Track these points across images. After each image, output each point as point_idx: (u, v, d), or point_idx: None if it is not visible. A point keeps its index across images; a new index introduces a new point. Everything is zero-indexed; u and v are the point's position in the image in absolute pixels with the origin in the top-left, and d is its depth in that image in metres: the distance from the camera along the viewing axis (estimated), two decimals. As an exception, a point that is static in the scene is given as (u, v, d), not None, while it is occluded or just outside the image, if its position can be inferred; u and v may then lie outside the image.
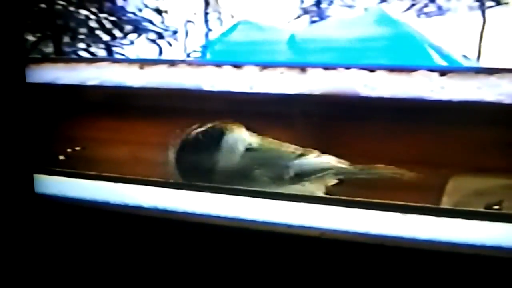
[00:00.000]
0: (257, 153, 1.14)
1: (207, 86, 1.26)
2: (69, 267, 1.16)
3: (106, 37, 1.51)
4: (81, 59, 1.38)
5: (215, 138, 1.15)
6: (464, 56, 1.27)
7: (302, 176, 1.13)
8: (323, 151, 1.18)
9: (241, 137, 1.15)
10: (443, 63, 1.27)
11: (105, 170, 1.20)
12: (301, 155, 1.14)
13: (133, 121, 1.30)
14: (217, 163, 1.14)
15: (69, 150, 1.29)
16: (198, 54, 1.44)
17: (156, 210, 1.08)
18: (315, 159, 1.14)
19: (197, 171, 1.14)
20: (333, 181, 1.15)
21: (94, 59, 1.40)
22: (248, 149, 1.15)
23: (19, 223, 1.16)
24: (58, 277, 1.17)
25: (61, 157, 1.30)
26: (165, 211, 1.07)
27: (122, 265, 1.12)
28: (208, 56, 1.43)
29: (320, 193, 1.14)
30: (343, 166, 1.14)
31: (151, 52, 1.48)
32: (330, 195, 1.13)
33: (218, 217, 1.03)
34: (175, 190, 1.10)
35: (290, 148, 1.16)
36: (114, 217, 1.11)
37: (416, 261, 0.95)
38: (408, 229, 0.95)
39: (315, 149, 1.17)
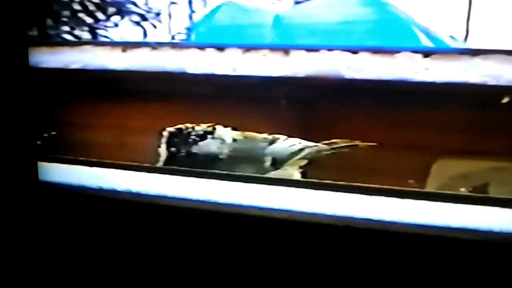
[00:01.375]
0: (237, 150, 1.16)
1: (190, 69, 1.24)
2: (72, 254, 1.16)
3: (89, 20, 1.49)
4: (64, 43, 1.36)
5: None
6: (451, 37, 1.25)
7: (279, 161, 1.14)
8: (307, 133, 1.17)
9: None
10: (430, 44, 1.25)
11: (86, 154, 1.19)
12: (272, 141, 1.14)
13: (117, 104, 1.29)
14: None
15: (45, 135, 1.28)
16: (183, 36, 1.42)
17: (158, 197, 1.07)
18: (285, 143, 1.14)
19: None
20: (305, 161, 1.15)
21: (78, 42, 1.37)
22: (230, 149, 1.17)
23: (23, 210, 1.16)
24: (61, 264, 1.18)
25: (38, 142, 1.29)
26: (163, 197, 1.08)
27: (123, 251, 1.13)
28: (193, 38, 1.40)
29: (298, 174, 1.15)
30: (311, 144, 1.15)
31: (135, 34, 1.46)
32: (307, 175, 1.12)
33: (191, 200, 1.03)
34: (165, 175, 1.10)
35: (260, 136, 1.17)
36: (117, 204, 1.11)
37: (386, 243, 0.95)
38: (375, 211, 0.95)
39: (299, 131, 1.16)
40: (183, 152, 1.18)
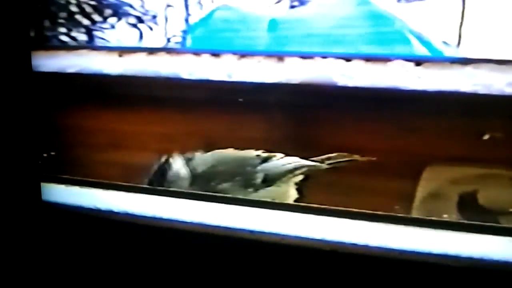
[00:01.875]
0: (221, 165, 1.16)
1: (185, 74, 1.25)
2: (75, 274, 1.18)
3: (86, 22, 1.50)
4: (61, 47, 1.37)
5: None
6: (444, 43, 1.26)
7: (271, 178, 1.15)
8: (301, 139, 1.19)
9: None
10: (423, 49, 1.27)
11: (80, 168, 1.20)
12: (266, 159, 1.15)
13: (112, 109, 1.30)
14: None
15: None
16: (179, 39, 1.43)
17: (157, 219, 1.10)
18: (280, 161, 1.15)
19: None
20: (301, 177, 1.17)
21: (74, 46, 1.38)
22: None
23: (26, 230, 1.18)
24: (63, 284, 1.19)
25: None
26: (164, 220, 1.10)
27: (123, 272, 1.14)
28: (189, 40, 1.42)
29: (294, 190, 1.16)
30: (308, 163, 1.16)
31: (131, 36, 1.47)
32: (303, 192, 1.13)
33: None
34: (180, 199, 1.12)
35: (253, 153, 1.17)
36: (117, 225, 1.13)
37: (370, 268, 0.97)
38: (364, 236, 0.97)
39: (292, 138, 1.18)
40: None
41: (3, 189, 1.15)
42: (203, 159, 1.17)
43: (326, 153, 1.18)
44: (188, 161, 1.17)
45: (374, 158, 1.13)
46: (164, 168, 1.16)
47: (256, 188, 1.15)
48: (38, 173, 1.17)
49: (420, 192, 1.14)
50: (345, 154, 1.16)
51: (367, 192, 1.12)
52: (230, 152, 1.18)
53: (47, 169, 1.21)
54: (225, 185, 1.13)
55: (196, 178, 1.16)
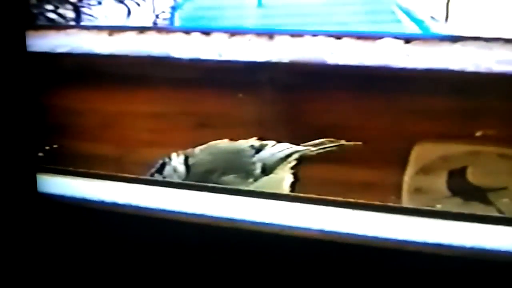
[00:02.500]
0: (218, 160, 1.18)
1: (176, 53, 1.25)
2: (71, 266, 1.18)
3: (72, -2, 1.48)
4: (50, 26, 1.36)
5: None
6: (432, 18, 1.27)
7: (269, 168, 1.18)
8: (291, 118, 1.20)
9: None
10: (411, 25, 1.27)
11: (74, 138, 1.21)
12: (260, 148, 1.16)
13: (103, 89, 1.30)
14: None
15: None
16: (167, 15, 1.42)
17: (153, 210, 1.11)
18: (273, 149, 1.17)
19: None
20: (294, 162, 1.19)
21: (64, 26, 1.37)
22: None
23: (22, 221, 1.18)
24: (59, 276, 1.20)
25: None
26: (161, 211, 1.11)
27: (122, 263, 1.16)
28: (177, 17, 1.41)
29: (290, 175, 1.19)
30: (299, 149, 1.18)
31: (119, 13, 1.46)
32: (298, 176, 1.16)
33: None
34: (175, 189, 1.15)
35: (247, 143, 1.20)
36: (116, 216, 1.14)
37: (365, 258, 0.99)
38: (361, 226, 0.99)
39: (283, 117, 1.19)
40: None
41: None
42: (200, 157, 1.18)
43: (317, 131, 1.19)
44: (186, 159, 1.18)
45: (360, 143, 1.14)
46: (164, 164, 1.17)
47: (256, 178, 1.16)
48: (34, 164, 1.17)
49: (410, 169, 1.15)
50: (332, 139, 1.17)
51: (358, 173, 1.13)
52: (225, 144, 1.19)
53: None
54: (225, 178, 1.15)
55: (196, 176, 1.17)
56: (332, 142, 1.17)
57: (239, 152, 1.18)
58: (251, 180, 1.18)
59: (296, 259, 1.05)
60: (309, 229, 1.05)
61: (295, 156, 1.18)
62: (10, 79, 1.16)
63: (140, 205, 1.15)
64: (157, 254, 1.13)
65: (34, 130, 1.19)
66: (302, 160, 1.19)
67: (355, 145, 1.15)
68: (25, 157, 1.17)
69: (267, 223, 1.06)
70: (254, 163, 1.19)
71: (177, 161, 1.19)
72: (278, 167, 1.18)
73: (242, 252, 1.08)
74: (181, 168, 1.19)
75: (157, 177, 1.22)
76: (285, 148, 1.18)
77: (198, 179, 1.19)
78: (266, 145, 1.19)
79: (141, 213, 1.13)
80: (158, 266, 1.15)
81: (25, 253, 1.20)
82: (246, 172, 1.18)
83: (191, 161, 1.20)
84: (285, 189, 1.20)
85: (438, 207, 1.12)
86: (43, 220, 1.18)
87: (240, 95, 1.21)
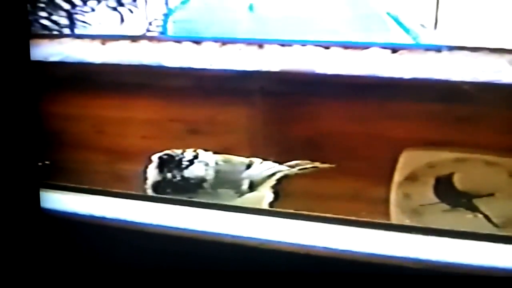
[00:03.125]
0: (220, 173, 1.22)
1: (167, 62, 1.27)
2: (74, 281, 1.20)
3: (66, 6, 1.50)
4: (44, 35, 1.37)
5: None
6: (421, 25, 1.28)
7: (255, 184, 1.22)
8: (279, 125, 1.21)
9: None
10: (401, 33, 1.29)
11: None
12: (249, 165, 1.20)
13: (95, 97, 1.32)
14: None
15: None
16: (160, 23, 1.44)
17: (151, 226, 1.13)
18: (260, 166, 1.19)
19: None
20: (275, 182, 1.23)
21: (57, 35, 1.38)
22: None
23: (25, 236, 1.19)
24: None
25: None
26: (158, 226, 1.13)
27: (120, 277, 1.17)
28: (170, 24, 1.43)
29: (270, 193, 1.23)
30: (283, 168, 1.22)
31: (112, 20, 1.47)
32: (279, 194, 1.20)
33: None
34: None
35: (238, 159, 1.23)
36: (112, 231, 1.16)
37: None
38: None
39: (271, 125, 1.21)
40: (175, 176, 1.23)
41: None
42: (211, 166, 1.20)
43: (305, 138, 1.21)
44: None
45: (334, 165, 1.18)
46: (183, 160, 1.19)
47: (241, 194, 1.20)
48: (36, 178, 1.19)
49: (397, 176, 1.17)
50: (307, 161, 1.21)
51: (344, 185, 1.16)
52: (227, 158, 1.23)
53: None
54: (219, 191, 1.17)
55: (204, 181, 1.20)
56: (307, 163, 1.21)
57: (234, 166, 1.21)
58: (237, 195, 1.20)
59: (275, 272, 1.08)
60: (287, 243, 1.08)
61: (279, 175, 1.21)
62: (13, 89, 1.18)
63: (127, 219, 1.17)
64: (156, 268, 1.15)
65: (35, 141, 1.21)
66: (283, 179, 1.21)
67: (329, 167, 1.17)
68: (28, 170, 1.18)
69: (247, 237, 1.09)
70: (243, 178, 1.21)
71: (200, 167, 1.21)
72: (261, 185, 1.20)
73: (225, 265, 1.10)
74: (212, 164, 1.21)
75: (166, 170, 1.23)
76: (271, 166, 1.20)
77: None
78: (253, 162, 1.21)
79: (141, 228, 1.16)
80: (155, 279, 1.17)
81: (28, 266, 1.21)
82: (237, 187, 1.21)
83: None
84: (265, 205, 1.23)
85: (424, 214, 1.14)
86: (46, 236, 1.20)
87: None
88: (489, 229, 1.10)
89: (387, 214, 1.16)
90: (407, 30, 1.34)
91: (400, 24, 1.35)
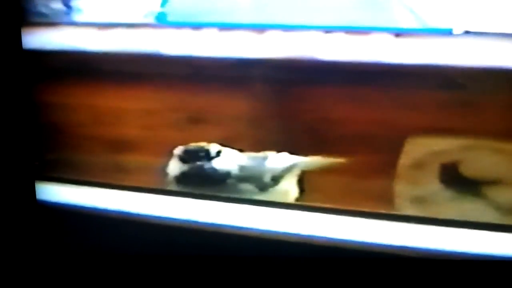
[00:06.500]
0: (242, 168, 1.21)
1: (166, 50, 1.25)
2: (71, 273, 1.19)
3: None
4: (41, 23, 1.35)
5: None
6: (424, 10, 1.26)
7: (277, 178, 1.21)
8: (282, 113, 1.19)
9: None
10: (406, 17, 1.26)
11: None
12: (265, 158, 1.20)
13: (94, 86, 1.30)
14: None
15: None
16: (157, 7, 1.41)
17: (153, 217, 1.12)
18: (276, 160, 1.19)
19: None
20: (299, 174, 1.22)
21: (53, 23, 1.36)
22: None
23: (21, 229, 1.18)
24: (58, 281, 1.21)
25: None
26: (161, 218, 1.12)
27: (119, 271, 1.16)
28: (168, 8, 1.39)
29: (295, 187, 1.21)
30: (300, 160, 1.20)
31: (110, 5, 1.45)
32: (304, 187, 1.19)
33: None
34: (171, 197, 1.14)
35: (259, 154, 1.22)
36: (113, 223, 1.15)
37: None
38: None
39: (275, 113, 1.19)
40: (199, 169, 1.22)
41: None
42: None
43: (308, 126, 1.19)
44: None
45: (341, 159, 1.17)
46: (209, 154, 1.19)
47: (265, 188, 1.20)
48: (31, 170, 1.18)
49: (402, 164, 1.16)
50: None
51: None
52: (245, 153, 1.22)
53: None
54: (242, 186, 1.18)
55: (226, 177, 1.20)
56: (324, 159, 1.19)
57: (255, 161, 1.19)
58: (262, 190, 1.21)
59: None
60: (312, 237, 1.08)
61: (298, 167, 1.19)
62: (7, 79, 1.15)
63: (131, 212, 1.16)
64: (158, 263, 1.14)
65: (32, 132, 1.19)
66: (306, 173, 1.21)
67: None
68: (24, 164, 1.17)
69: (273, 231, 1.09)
70: (265, 172, 1.20)
71: (225, 162, 1.20)
72: (284, 178, 1.18)
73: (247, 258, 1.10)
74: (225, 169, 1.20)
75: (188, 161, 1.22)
76: (287, 158, 1.19)
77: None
78: (268, 156, 1.21)
79: (143, 220, 1.15)
80: (158, 274, 1.16)
81: (25, 260, 1.20)
82: (260, 182, 1.21)
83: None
84: (291, 199, 1.21)
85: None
86: (42, 228, 1.19)
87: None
88: (496, 217, 1.08)
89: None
90: (413, 14, 1.31)
91: (408, 9, 1.32)
